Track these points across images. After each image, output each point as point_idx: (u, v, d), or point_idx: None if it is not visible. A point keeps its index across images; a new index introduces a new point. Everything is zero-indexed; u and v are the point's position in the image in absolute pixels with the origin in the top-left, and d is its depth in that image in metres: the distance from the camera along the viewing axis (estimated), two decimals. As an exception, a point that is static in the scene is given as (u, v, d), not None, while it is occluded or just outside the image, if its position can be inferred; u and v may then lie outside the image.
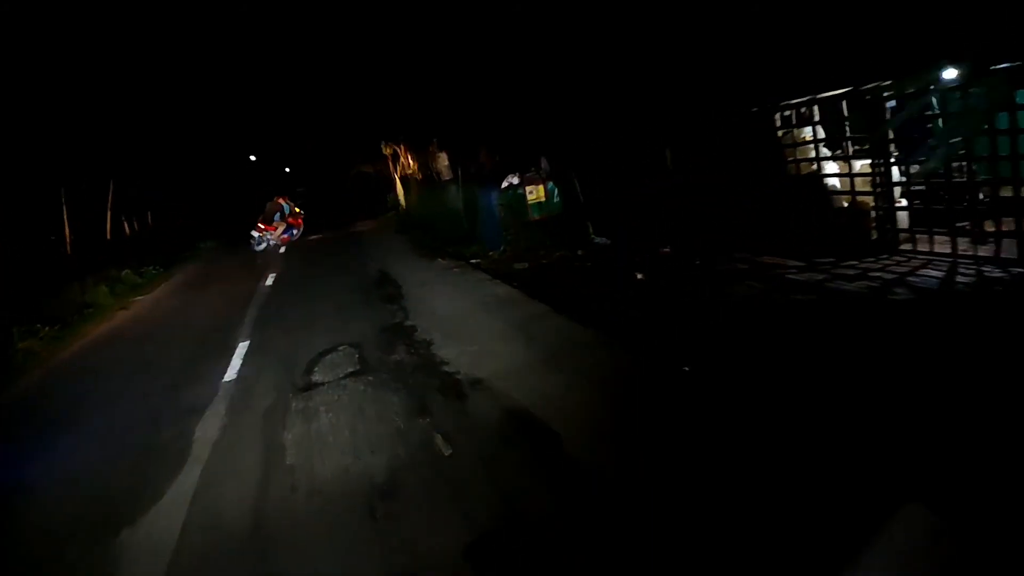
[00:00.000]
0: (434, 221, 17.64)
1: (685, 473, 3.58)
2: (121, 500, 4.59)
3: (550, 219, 12.34)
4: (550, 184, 12.42)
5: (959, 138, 7.06)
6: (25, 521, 4.66)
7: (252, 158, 43.30)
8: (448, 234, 15.33)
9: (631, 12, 10.82)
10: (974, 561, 2.70)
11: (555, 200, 12.41)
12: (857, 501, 3.08)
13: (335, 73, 23.50)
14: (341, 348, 7.49)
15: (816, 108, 8.69)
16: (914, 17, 8.22)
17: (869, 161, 8.14)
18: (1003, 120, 6.53)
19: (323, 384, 6.31)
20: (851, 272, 7.33)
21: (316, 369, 6.87)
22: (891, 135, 7.94)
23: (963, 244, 7.23)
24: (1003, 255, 6.72)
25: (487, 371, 5.72)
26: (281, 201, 23.85)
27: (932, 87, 7.22)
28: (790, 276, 7.54)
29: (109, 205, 21.12)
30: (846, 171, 8.36)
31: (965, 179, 7.31)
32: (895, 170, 7.96)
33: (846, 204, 8.48)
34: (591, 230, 11.40)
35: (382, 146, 26.88)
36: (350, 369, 6.64)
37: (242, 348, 8.46)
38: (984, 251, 6.99)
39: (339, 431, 5.02)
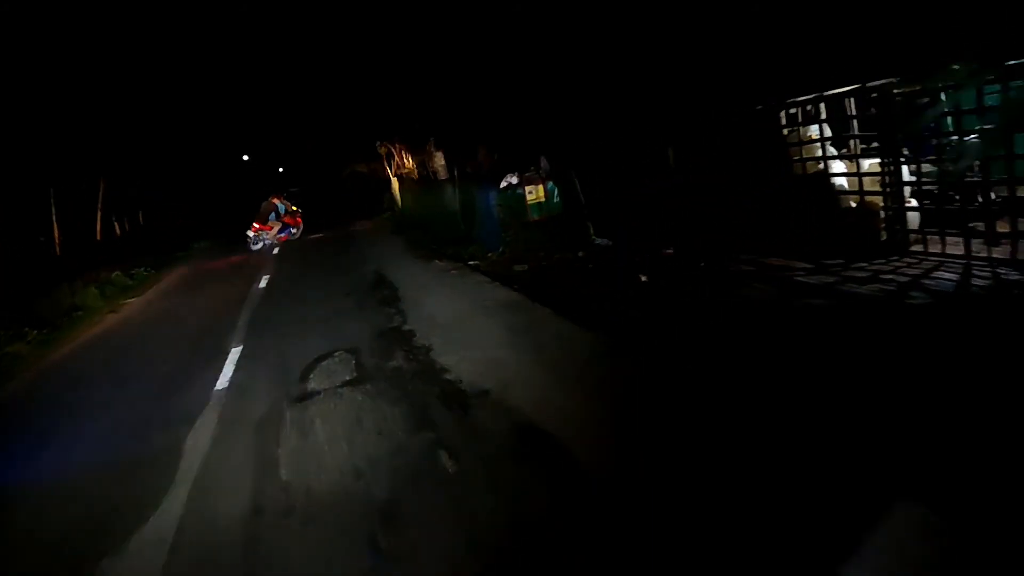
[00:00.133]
0: (431, 221, 17.39)
1: (709, 497, 3.34)
2: (103, 523, 4.32)
3: (550, 220, 12.11)
4: (550, 184, 12.18)
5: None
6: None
7: (245, 158, 43.02)
8: (445, 235, 15.07)
9: (633, 8, 10.60)
10: (972, 560, 2.69)
11: (555, 200, 12.17)
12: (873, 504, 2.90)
13: (329, 72, 23.21)
14: (337, 354, 7.24)
15: (823, 106, 8.48)
16: (926, 10, 8.01)
17: (878, 160, 7.94)
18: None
19: (319, 393, 6.05)
20: (862, 275, 7.12)
21: (311, 376, 6.62)
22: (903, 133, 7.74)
23: (976, 245, 7.02)
24: (1019, 256, 6.53)
25: (491, 380, 5.48)
26: (276, 201, 23.61)
27: (952, 83, 7.01)
28: (799, 279, 7.32)
29: (99, 205, 20.83)
30: (854, 170, 8.15)
31: (978, 178, 7.11)
32: (905, 169, 7.76)
33: (854, 204, 8.28)
34: (592, 231, 11.17)
35: (377, 145, 26.62)
36: (347, 377, 6.39)
37: (235, 353, 8.20)
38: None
39: (336, 445, 4.77)
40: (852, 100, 8.05)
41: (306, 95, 27.73)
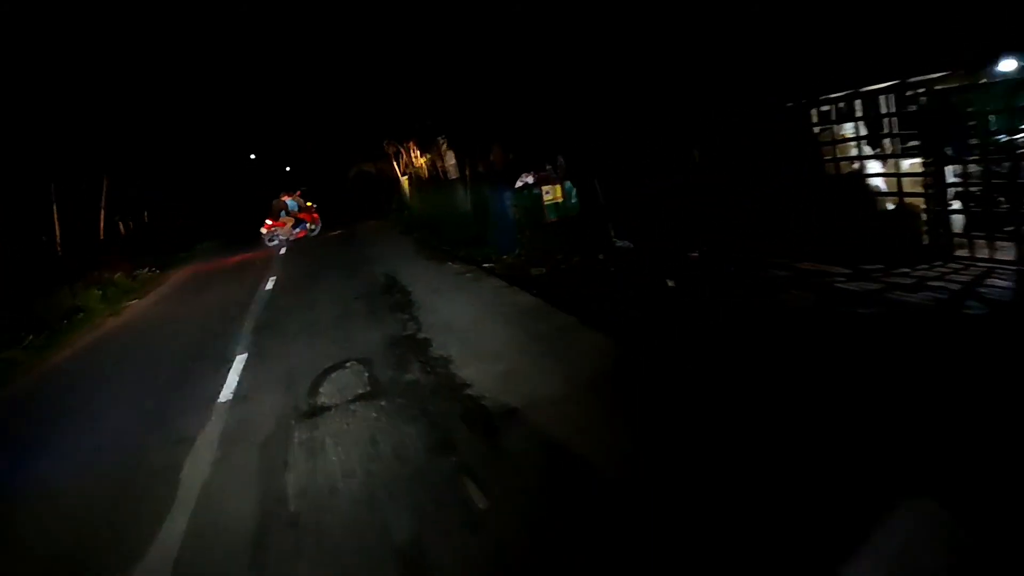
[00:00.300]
0: (441, 222, 16.95)
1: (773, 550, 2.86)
2: (89, 565, 3.85)
3: (567, 221, 11.62)
4: (567, 184, 11.70)
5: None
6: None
7: (252, 157, 42.68)
8: (457, 236, 14.61)
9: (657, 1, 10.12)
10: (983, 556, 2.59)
11: (572, 201, 11.69)
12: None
13: (337, 69, 22.77)
14: (348, 365, 6.77)
15: (858, 103, 8.01)
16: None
17: (918, 160, 7.46)
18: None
19: (329, 409, 5.58)
20: (907, 281, 6.61)
21: (321, 390, 6.16)
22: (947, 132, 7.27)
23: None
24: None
25: (518, 397, 4.98)
26: (286, 198, 23.78)
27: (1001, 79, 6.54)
28: (840, 285, 6.83)
29: (103, 204, 20.43)
30: (892, 171, 7.66)
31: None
32: (948, 169, 7.27)
33: (892, 206, 7.79)
34: (612, 232, 10.68)
35: (385, 144, 26.21)
36: (359, 391, 5.91)
37: (239, 362, 7.76)
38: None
39: (350, 472, 4.28)
40: (890, 97, 7.61)
41: (314, 93, 27.32)
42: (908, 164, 7.61)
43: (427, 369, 6.13)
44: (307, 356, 7.46)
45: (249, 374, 7.25)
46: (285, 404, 5.94)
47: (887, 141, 7.82)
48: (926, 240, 7.51)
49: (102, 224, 20.94)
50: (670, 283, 7.89)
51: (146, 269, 19.96)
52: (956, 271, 6.82)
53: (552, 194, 11.63)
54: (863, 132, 7.98)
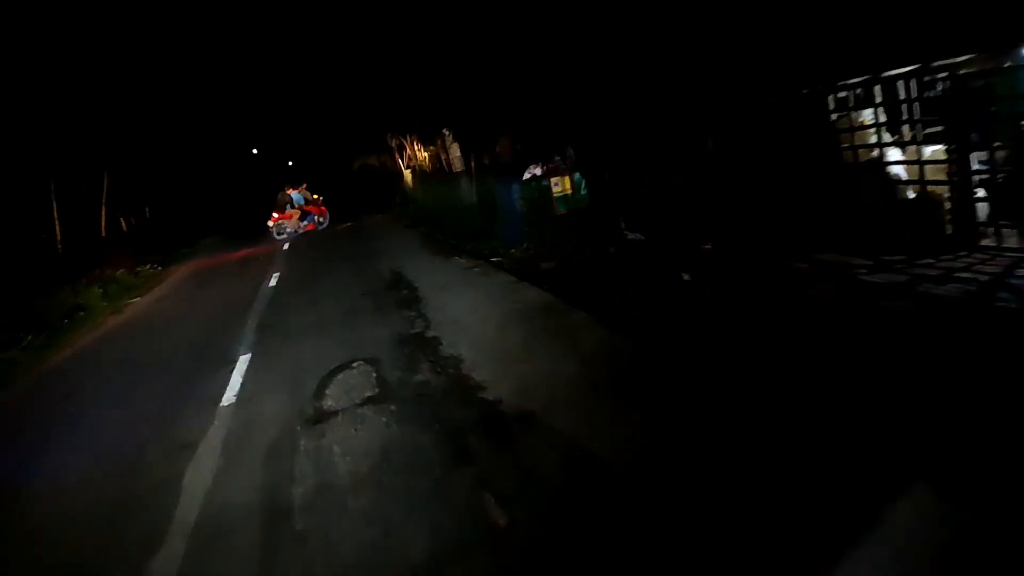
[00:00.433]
0: (446, 215, 16.65)
1: None
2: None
3: (576, 213, 11.32)
4: (576, 175, 11.38)
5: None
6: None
7: (254, 152, 42.42)
8: (462, 229, 14.31)
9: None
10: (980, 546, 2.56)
11: (582, 193, 11.37)
12: None
13: (338, 61, 22.42)
14: (355, 365, 6.52)
15: (878, 88, 7.71)
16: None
17: (941, 147, 7.17)
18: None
19: (336, 414, 5.32)
20: (932, 272, 6.34)
21: (327, 392, 5.90)
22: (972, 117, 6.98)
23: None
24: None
25: (536, 401, 4.71)
26: (290, 191, 23.85)
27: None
28: (864, 277, 6.55)
29: (104, 200, 20.17)
30: (914, 158, 7.37)
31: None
32: (973, 156, 6.98)
33: (913, 195, 7.50)
34: (623, 225, 10.39)
35: (388, 137, 25.91)
36: (367, 393, 5.65)
37: (243, 362, 7.52)
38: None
39: (361, 485, 4.02)
40: (910, 82, 7.30)
41: (316, 87, 26.96)
42: (930, 151, 7.31)
43: (438, 370, 5.87)
44: (312, 356, 7.22)
45: (252, 375, 7.02)
46: (290, 408, 5.69)
47: (907, 128, 7.53)
48: (949, 229, 7.23)
49: (103, 221, 20.70)
50: (685, 277, 7.61)
51: (148, 266, 19.75)
52: (983, 261, 6.52)
53: (561, 186, 11.31)
54: (882, 119, 7.69)
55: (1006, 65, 6.45)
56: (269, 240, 22.58)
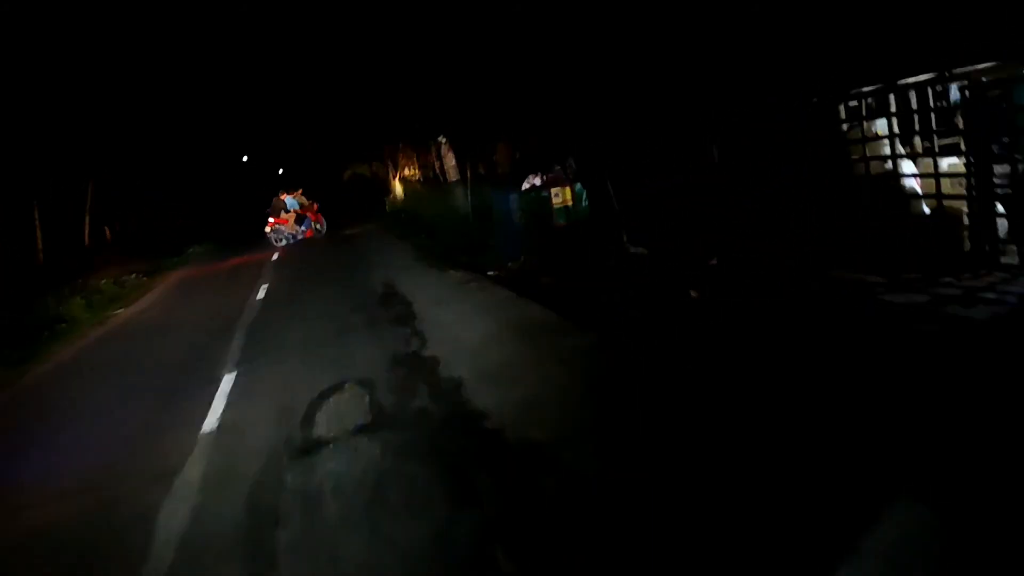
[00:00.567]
0: (439, 226, 16.30)
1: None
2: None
3: (577, 225, 10.97)
4: (577, 186, 11.04)
5: None
6: None
7: (244, 159, 41.97)
8: (456, 241, 13.95)
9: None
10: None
11: (583, 204, 11.03)
12: None
13: (330, 68, 22.10)
14: (347, 387, 6.10)
15: (891, 97, 7.43)
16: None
17: (957, 159, 6.89)
18: None
19: (327, 444, 4.89)
20: (953, 291, 6.02)
21: (317, 418, 5.48)
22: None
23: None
24: None
25: (545, 431, 4.31)
26: (284, 196, 23.74)
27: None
28: (884, 297, 6.22)
29: (88, 209, 19.68)
30: (929, 171, 7.07)
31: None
32: (993, 170, 6.68)
33: (929, 210, 7.20)
34: (625, 238, 10.04)
35: (381, 147, 25.62)
36: (360, 420, 5.24)
37: (227, 382, 7.09)
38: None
39: (354, 529, 3.59)
40: (927, 90, 7.06)
41: (307, 94, 26.62)
42: (947, 164, 7.03)
43: (437, 395, 5.46)
44: (301, 376, 6.80)
45: (237, 397, 6.59)
46: (276, 435, 5.26)
47: (923, 139, 7.26)
48: (967, 246, 6.92)
49: (87, 230, 20.21)
50: (693, 294, 7.28)
51: (134, 276, 19.29)
52: (1005, 281, 6.22)
53: (561, 197, 10.96)
54: (896, 129, 7.40)
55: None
56: (259, 249, 22.19)
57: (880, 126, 7.56)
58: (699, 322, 6.31)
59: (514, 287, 9.20)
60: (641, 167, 10.56)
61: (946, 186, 6.94)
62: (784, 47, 8.74)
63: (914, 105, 7.18)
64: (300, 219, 23.50)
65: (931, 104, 7.18)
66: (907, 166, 7.41)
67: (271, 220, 23.18)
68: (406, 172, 25.29)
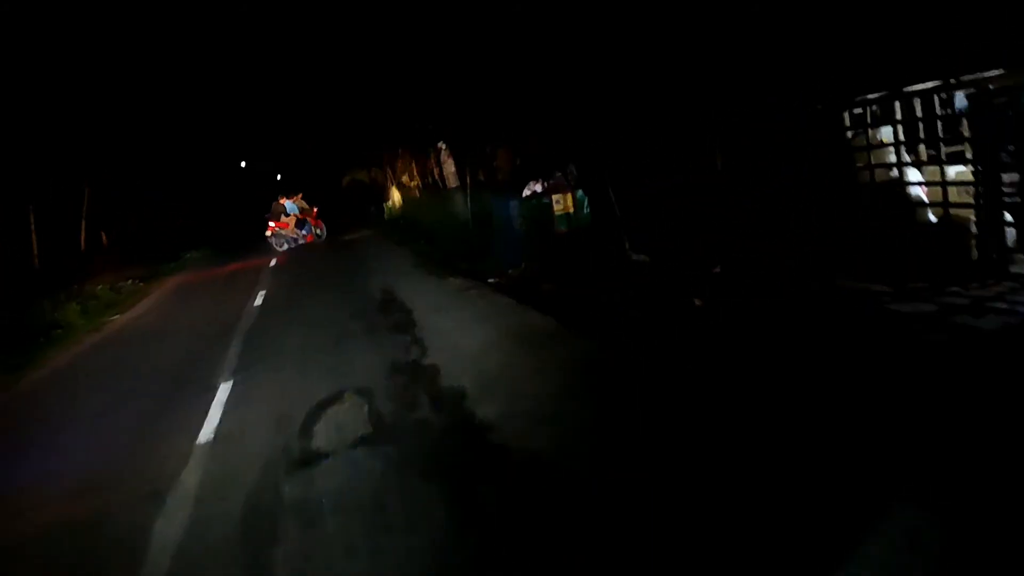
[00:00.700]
0: (438, 232, 16.20)
1: None
2: None
3: (578, 232, 10.87)
4: (579, 193, 10.94)
5: None
6: None
7: (242, 164, 41.90)
8: (455, 247, 13.83)
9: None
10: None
11: (584, 211, 10.94)
12: None
13: (330, 73, 22.02)
14: (346, 397, 5.98)
15: (898, 104, 7.36)
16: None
17: (964, 167, 6.81)
18: None
19: (326, 457, 4.76)
20: (961, 301, 5.93)
21: (315, 429, 5.36)
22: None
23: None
24: None
25: (552, 446, 4.19)
26: (283, 201, 23.63)
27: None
28: (891, 307, 6.12)
29: (84, 213, 19.56)
30: (935, 179, 6.99)
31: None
32: (1002, 178, 6.61)
33: (935, 219, 7.12)
34: (627, 245, 9.94)
35: (380, 153, 25.54)
36: (360, 432, 5.11)
37: (223, 392, 6.96)
38: None
39: (354, 551, 3.45)
40: (933, 98, 6.94)
41: (306, 99, 26.55)
42: (954, 172, 6.95)
43: (438, 406, 5.34)
44: (299, 384, 6.68)
45: (233, 406, 6.46)
46: (274, 447, 5.14)
47: (922, 146, 7.18)
48: (975, 255, 6.84)
49: (83, 235, 20.07)
50: (697, 302, 7.18)
51: (130, 281, 19.16)
52: (1014, 290, 6.13)
53: (563, 204, 10.87)
54: (902, 137, 7.33)
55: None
56: (257, 254, 22.08)
57: (885, 134, 7.49)
58: (705, 331, 6.20)
59: (515, 294, 9.09)
60: (641, 167, 10.47)
61: (953, 194, 6.85)
62: (787, 51, 8.67)
63: (919, 113, 7.09)
64: (301, 223, 23.41)
65: (937, 112, 7.08)
66: (913, 174, 7.34)
67: (271, 224, 23.06)
68: (405, 179, 25.20)
